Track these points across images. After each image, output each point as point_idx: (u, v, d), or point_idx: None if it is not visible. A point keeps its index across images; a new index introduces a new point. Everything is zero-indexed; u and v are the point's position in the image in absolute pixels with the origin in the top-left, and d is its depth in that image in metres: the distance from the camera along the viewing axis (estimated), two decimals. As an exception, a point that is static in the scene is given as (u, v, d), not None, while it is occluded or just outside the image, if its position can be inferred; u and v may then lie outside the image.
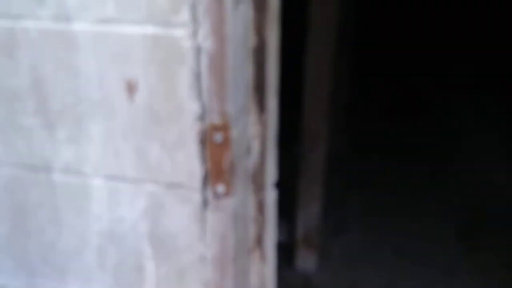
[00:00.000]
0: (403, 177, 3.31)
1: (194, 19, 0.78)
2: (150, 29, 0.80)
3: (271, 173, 0.98)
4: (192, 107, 0.82)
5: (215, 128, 0.82)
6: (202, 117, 0.82)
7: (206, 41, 0.78)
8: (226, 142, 0.82)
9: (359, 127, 3.73)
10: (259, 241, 0.96)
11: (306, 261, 2.46)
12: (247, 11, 0.82)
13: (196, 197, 0.86)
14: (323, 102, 2.21)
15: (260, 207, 0.94)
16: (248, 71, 0.85)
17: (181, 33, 0.79)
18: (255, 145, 0.90)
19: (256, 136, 0.90)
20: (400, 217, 2.95)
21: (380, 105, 4.17)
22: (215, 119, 0.81)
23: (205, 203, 0.86)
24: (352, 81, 3.42)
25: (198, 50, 0.79)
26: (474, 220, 2.95)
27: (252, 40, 0.84)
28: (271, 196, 1.01)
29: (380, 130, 3.84)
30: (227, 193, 0.84)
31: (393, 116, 4.05)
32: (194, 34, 0.79)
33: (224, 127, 0.81)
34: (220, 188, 0.83)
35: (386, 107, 4.15)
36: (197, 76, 0.80)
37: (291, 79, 2.27)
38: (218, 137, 0.82)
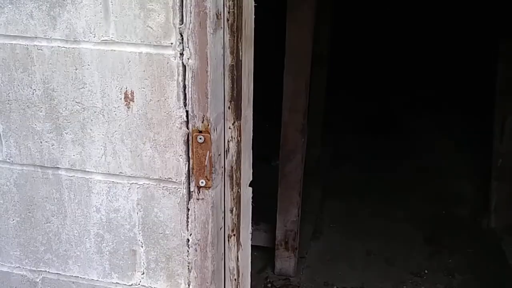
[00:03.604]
0: (375, 187, 3.46)
1: (181, 42, 0.91)
2: (144, 50, 0.93)
3: (246, 173, 1.11)
4: (179, 113, 0.94)
5: (197, 131, 0.94)
6: (187, 122, 0.95)
7: (191, 60, 0.91)
8: (206, 143, 0.94)
9: (335, 141, 3.88)
10: (236, 230, 1.07)
11: (285, 262, 2.56)
12: (224, 35, 0.95)
13: (182, 189, 0.98)
14: (298, 117, 2.36)
15: (237, 200, 1.06)
16: (225, 85, 0.98)
17: (170, 53, 0.92)
18: (232, 147, 1.03)
19: (233, 139, 1.02)
20: (372, 222, 3.09)
21: (354, 121, 4.34)
22: (198, 123, 0.94)
23: (189, 195, 0.98)
24: (329, 99, 3.58)
25: (184, 67, 0.92)
26: (440, 226, 3.10)
27: (229, 59, 0.97)
28: (246, 192, 1.13)
29: (355, 143, 4.00)
30: (207, 186, 0.96)
31: (366, 131, 4.22)
32: (181, 54, 0.92)
33: (205, 131, 0.94)
34: (202, 181, 0.96)
35: (359, 123, 4.32)
36: (183, 88, 0.93)
37: (277, 97, 2.41)
38: (200, 139, 0.94)
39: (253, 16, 1.07)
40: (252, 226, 2.88)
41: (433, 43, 4.74)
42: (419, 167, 3.71)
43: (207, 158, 0.95)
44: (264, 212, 2.62)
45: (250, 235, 1.21)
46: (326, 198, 3.30)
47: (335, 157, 3.77)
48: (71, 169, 1.01)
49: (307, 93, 2.39)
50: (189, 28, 0.90)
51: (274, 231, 2.54)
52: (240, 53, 1.00)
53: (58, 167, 1.02)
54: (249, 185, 1.16)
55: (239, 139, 1.04)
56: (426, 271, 2.70)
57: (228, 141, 1.02)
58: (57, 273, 1.09)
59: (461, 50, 4.57)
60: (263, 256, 2.66)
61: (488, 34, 3.60)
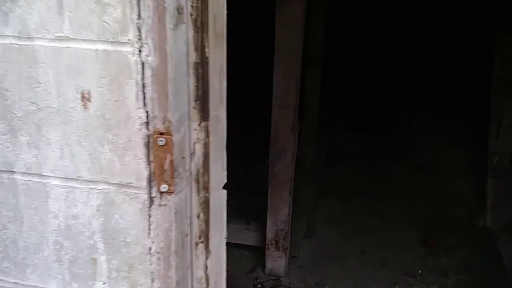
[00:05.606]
0: (370, 185, 3.37)
1: (139, 38, 0.84)
2: (101, 46, 0.86)
3: (217, 175, 1.03)
4: (139, 114, 0.87)
5: (158, 133, 0.87)
6: (147, 123, 0.87)
7: (150, 57, 0.84)
8: (168, 146, 0.87)
9: (330, 140, 3.80)
10: (204, 236, 1.00)
11: (276, 262, 2.49)
12: (187, 31, 0.88)
13: (143, 195, 0.90)
14: (289, 114, 2.28)
15: (205, 205, 0.99)
16: (189, 83, 0.90)
17: (128, 50, 0.85)
18: (198, 149, 0.95)
19: (199, 141, 0.95)
20: (367, 221, 3.01)
21: (349, 119, 4.25)
22: (159, 125, 0.87)
23: (150, 201, 0.90)
24: (324, 97, 3.50)
25: (142, 65, 0.85)
26: (435, 225, 3.02)
27: (193, 56, 0.90)
28: (219, 196, 1.06)
29: (350, 142, 3.92)
30: (170, 191, 0.89)
31: (362, 130, 4.13)
32: (140, 51, 0.84)
33: (166, 132, 0.87)
34: (164, 186, 0.88)
35: (354, 122, 4.23)
36: (142, 88, 0.86)
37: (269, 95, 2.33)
38: (161, 141, 0.87)
39: (225, 11, 0.99)
40: (242, 225, 2.79)
41: (429, 41, 4.64)
42: (415, 165, 3.62)
43: (169, 161, 0.88)
44: (254, 211, 2.56)
45: (225, 240, 1.13)
46: (320, 197, 3.22)
47: (330, 156, 3.69)
48: (27, 173, 0.95)
49: (298, 90, 2.31)
50: (147, 24, 0.83)
51: (265, 230, 2.47)
52: (206, 50, 0.92)
53: (13, 171, 0.95)
54: (224, 188, 1.09)
55: (207, 140, 0.96)
56: (420, 271, 2.62)
57: (194, 143, 0.95)
58: (14, 282, 1.02)
59: (457, 48, 4.46)
60: (253, 256, 2.60)
61: (484, 31, 3.50)
